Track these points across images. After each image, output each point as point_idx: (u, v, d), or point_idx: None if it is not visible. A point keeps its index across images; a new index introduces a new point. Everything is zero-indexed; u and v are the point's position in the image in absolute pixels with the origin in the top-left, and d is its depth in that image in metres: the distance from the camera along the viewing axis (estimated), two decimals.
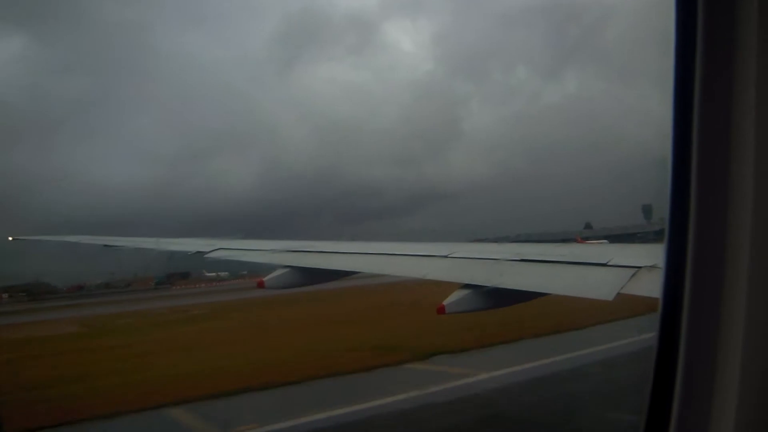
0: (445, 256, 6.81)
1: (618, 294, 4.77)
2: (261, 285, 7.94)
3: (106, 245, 11.27)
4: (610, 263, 5.31)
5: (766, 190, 1.82)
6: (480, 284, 5.79)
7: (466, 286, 5.88)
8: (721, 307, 1.91)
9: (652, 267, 4.89)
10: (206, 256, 9.23)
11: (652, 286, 4.56)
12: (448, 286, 6.20)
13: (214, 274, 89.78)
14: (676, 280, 2.01)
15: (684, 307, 1.98)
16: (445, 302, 5.84)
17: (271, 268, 7.97)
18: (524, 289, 5.57)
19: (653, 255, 5.10)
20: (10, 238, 12.24)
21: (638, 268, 5.00)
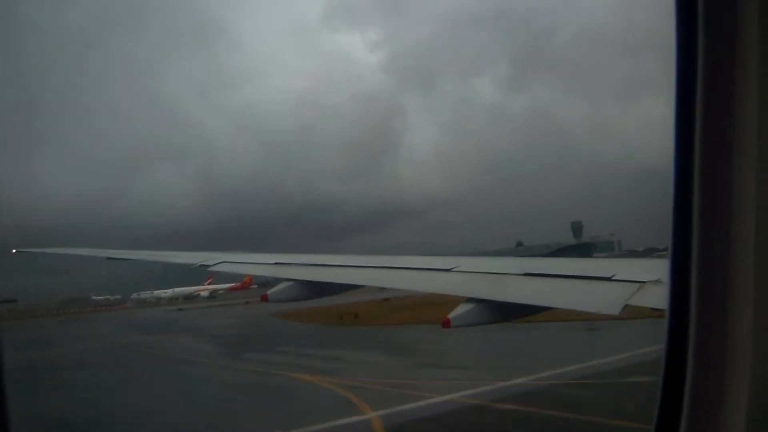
0: (449, 270, 6.81)
1: (624, 308, 4.78)
2: (265, 299, 7.93)
3: (109, 258, 11.27)
4: (614, 278, 5.33)
5: None
6: (485, 298, 5.79)
7: (471, 299, 5.88)
8: (728, 316, 1.91)
9: (657, 282, 4.90)
10: (209, 269, 9.21)
11: (657, 300, 4.58)
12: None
13: (102, 297, 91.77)
14: (682, 290, 2.01)
15: (691, 318, 1.98)
16: (451, 316, 5.83)
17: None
18: (530, 303, 5.58)
19: (658, 270, 5.12)
20: (14, 251, 12.21)
21: (643, 283, 5.02)
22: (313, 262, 8.30)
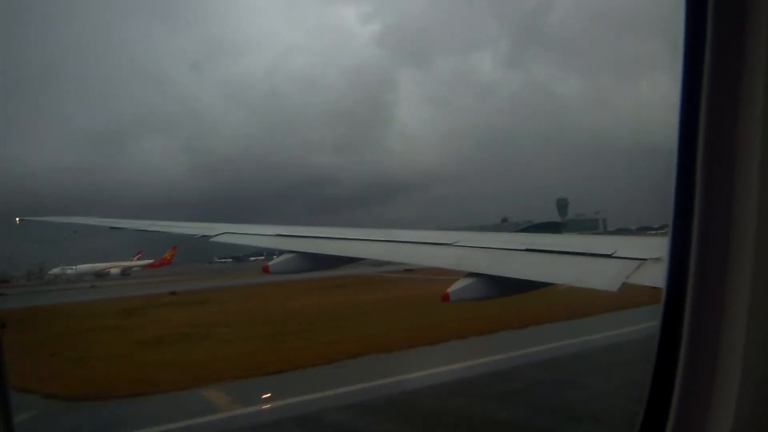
0: (451, 244, 6.82)
1: (623, 284, 4.79)
2: (266, 270, 7.98)
3: (112, 227, 11.32)
4: (615, 254, 5.32)
5: None
6: (486, 273, 5.81)
7: (471, 274, 5.91)
8: (724, 297, 1.91)
9: (658, 259, 4.90)
10: (211, 239, 9.23)
11: (656, 278, 4.58)
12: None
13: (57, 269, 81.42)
14: (680, 270, 2.02)
15: (687, 297, 1.99)
16: (450, 290, 5.87)
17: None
18: (530, 278, 5.60)
19: (659, 247, 5.11)
20: (17, 219, 12.26)
21: (643, 260, 5.01)
22: (314, 234, 8.32)
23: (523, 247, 6.18)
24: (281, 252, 7.91)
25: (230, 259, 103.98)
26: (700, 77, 1.90)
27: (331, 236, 8.24)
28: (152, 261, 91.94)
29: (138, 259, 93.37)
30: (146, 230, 11.04)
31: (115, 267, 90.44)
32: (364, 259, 7.69)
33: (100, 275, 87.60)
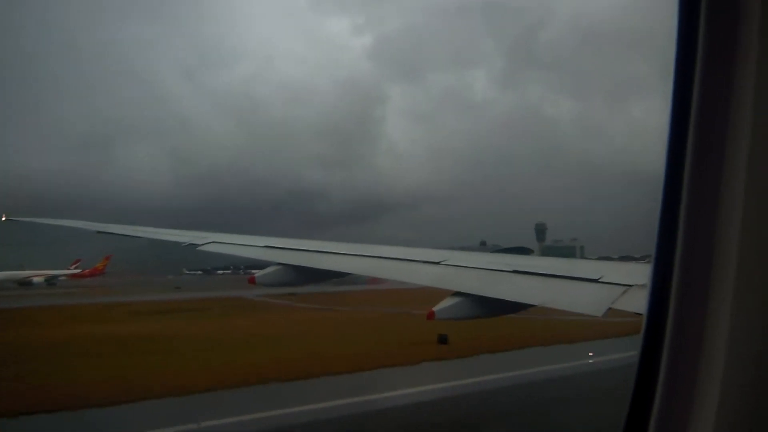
0: (438, 263, 6.82)
1: (608, 310, 4.79)
2: (252, 282, 7.91)
3: (99, 231, 11.19)
4: (601, 279, 5.34)
5: (756, 209, 1.83)
6: (471, 293, 5.80)
7: (458, 293, 5.89)
8: (705, 322, 1.92)
9: (644, 286, 4.91)
10: (199, 248, 9.16)
11: (640, 304, 4.58)
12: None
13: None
14: (662, 294, 2.02)
15: (668, 322, 1.99)
16: (435, 308, 5.85)
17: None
18: (515, 300, 5.59)
19: (644, 274, 5.12)
20: (3, 218, 12.07)
21: (629, 287, 5.03)
22: (303, 248, 8.28)
23: (510, 269, 6.19)
24: (268, 264, 7.85)
25: (200, 272, 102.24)
26: (689, 105, 1.93)
27: (321, 250, 8.21)
28: (81, 270, 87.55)
29: (75, 268, 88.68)
30: (133, 236, 10.95)
31: (38, 275, 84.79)
32: (351, 274, 7.65)
33: (24, 284, 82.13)
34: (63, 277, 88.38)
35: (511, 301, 5.65)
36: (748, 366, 1.83)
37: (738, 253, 1.84)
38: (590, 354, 19.91)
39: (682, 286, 1.96)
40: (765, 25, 1.79)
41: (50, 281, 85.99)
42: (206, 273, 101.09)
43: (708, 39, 1.90)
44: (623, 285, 5.09)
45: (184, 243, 9.61)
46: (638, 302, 4.73)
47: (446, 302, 5.88)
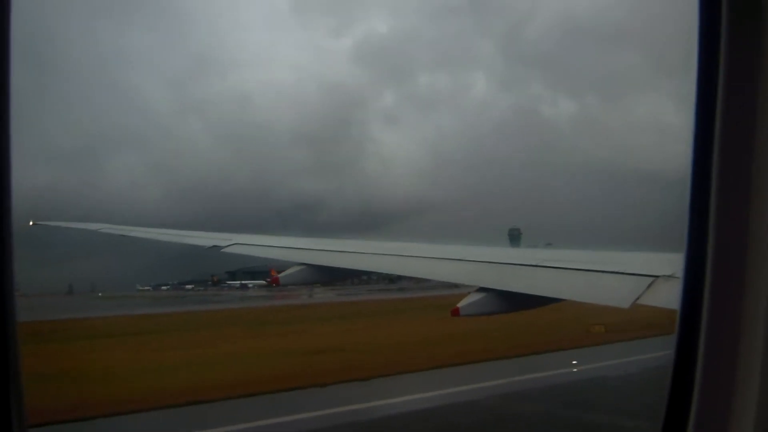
0: (461, 260, 6.84)
1: (634, 302, 4.78)
2: (275, 282, 7.98)
3: (123, 235, 11.33)
4: (626, 271, 5.32)
5: None
6: (495, 288, 5.81)
7: (482, 289, 5.91)
8: (740, 317, 1.90)
9: (670, 276, 4.89)
10: (222, 250, 9.19)
11: (668, 296, 4.57)
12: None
13: None
14: (695, 290, 2.00)
15: (702, 316, 1.96)
16: (460, 305, 5.87)
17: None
18: (540, 294, 5.60)
19: (671, 264, 5.09)
20: (31, 223, 12.25)
21: (655, 277, 5.01)
22: (325, 247, 8.31)
23: (534, 263, 6.18)
24: (291, 264, 7.89)
25: (148, 288, 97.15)
26: (714, 96, 1.92)
27: (343, 249, 8.22)
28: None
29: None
30: (157, 239, 11.06)
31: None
32: (374, 273, 7.69)
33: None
34: None
35: (535, 296, 5.65)
36: None
37: None
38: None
39: (715, 282, 1.95)
40: None
41: None
42: (155, 289, 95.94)
43: (730, 35, 1.89)
44: (649, 276, 5.06)
45: (207, 246, 9.64)
46: (664, 294, 4.71)
47: (470, 298, 5.89)
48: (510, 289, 5.73)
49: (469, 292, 6.00)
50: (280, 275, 7.92)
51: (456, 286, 7.29)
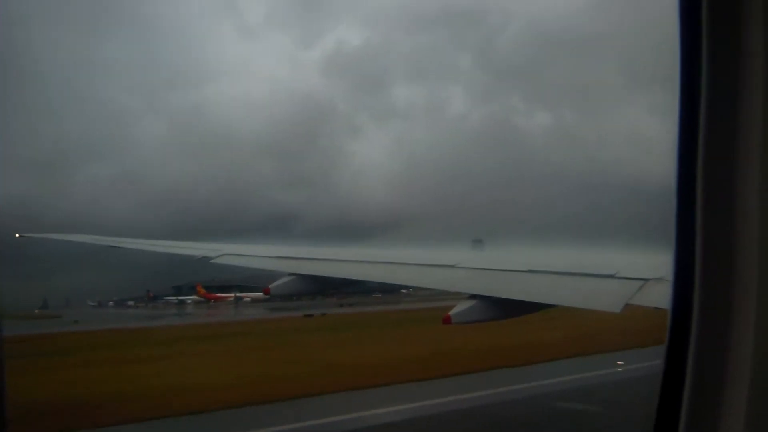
0: (452, 266, 6.82)
1: (625, 306, 4.80)
2: (267, 293, 7.90)
3: (110, 246, 11.14)
4: (617, 275, 5.34)
5: None
6: (487, 294, 5.81)
7: (473, 296, 5.90)
8: (730, 317, 1.90)
9: (660, 279, 4.91)
10: (212, 261, 9.08)
11: (659, 299, 4.59)
12: None
13: None
14: (685, 291, 2.00)
15: (693, 318, 1.97)
16: (452, 312, 5.86)
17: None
18: (532, 300, 5.60)
19: (660, 267, 5.12)
20: (17, 235, 12.06)
21: (645, 281, 5.03)
22: (317, 256, 8.24)
23: (525, 268, 6.19)
24: (280, 274, 7.80)
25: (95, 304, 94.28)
26: (698, 95, 1.92)
27: (333, 258, 8.17)
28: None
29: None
30: (146, 250, 10.90)
31: None
32: (366, 282, 7.66)
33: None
34: None
35: (527, 302, 5.65)
36: None
37: (759, 246, 1.84)
38: None
39: (705, 282, 1.96)
40: None
41: None
42: (100, 306, 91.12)
43: (711, 38, 1.91)
44: (639, 279, 5.09)
45: (197, 256, 9.49)
46: (655, 296, 4.73)
47: (461, 305, 5.88)
48: (502, 296, 5.73)
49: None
50: (270, 286, 7.82)
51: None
